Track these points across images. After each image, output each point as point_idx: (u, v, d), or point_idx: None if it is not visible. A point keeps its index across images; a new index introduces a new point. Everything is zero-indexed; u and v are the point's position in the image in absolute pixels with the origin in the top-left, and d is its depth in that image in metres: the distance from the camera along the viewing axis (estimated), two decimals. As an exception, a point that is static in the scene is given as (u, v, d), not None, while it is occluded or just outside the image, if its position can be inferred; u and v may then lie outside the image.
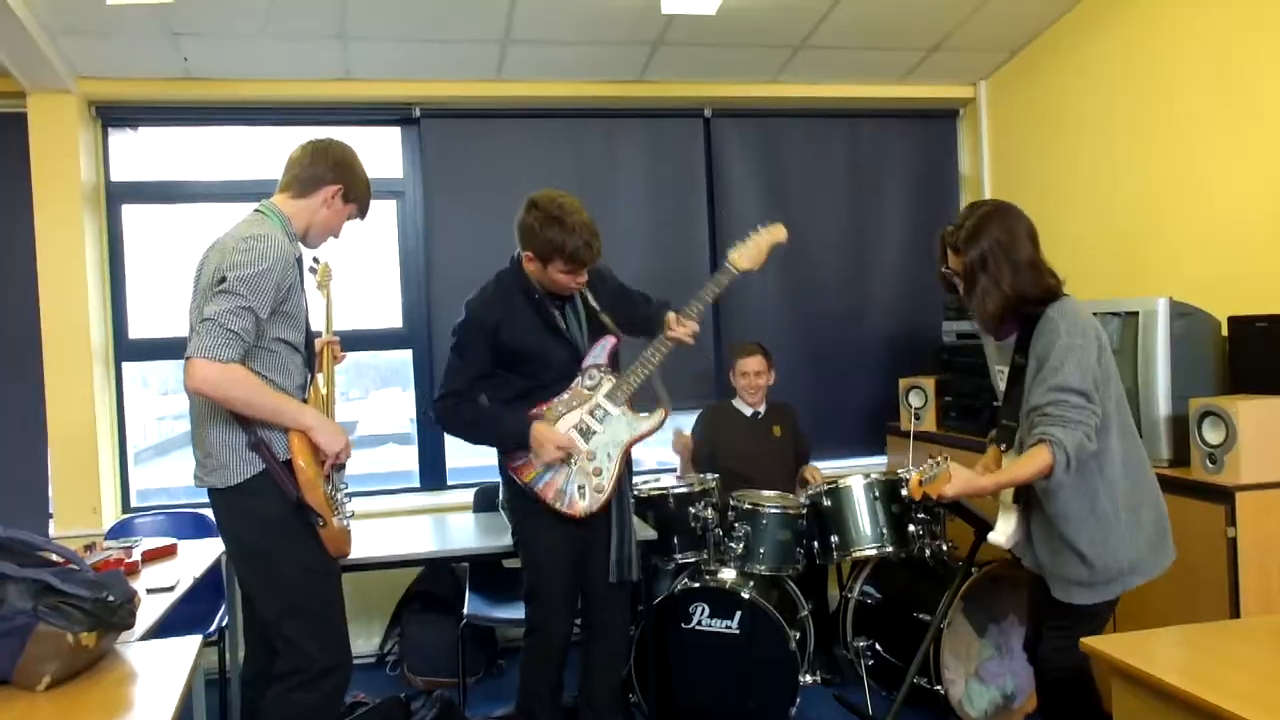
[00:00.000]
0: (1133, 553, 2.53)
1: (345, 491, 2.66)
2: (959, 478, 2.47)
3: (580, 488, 3.03)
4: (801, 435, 4.50)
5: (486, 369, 3.06)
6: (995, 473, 2.54)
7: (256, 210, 2.61)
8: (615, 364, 3.15)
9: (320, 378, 2.74)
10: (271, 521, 2.46)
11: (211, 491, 2.51)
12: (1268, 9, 3.49)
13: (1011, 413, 2.59)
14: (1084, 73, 4.39)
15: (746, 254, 3.15)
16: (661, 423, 3.10)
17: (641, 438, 3.10)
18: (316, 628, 2.53)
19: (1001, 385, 2.68)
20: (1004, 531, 2.64)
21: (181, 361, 2.37)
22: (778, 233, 3.18)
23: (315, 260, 2.88)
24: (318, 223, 2.65)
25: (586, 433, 3.05)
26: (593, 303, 3.13)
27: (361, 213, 2.76)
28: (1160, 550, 2.58)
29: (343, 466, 2.66)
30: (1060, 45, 4.55)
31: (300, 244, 2.65)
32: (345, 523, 2.62)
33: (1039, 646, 2.68)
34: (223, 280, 2.36)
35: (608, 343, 3.11)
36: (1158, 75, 3.98)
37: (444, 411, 3.08)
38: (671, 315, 3.08)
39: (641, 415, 3.10)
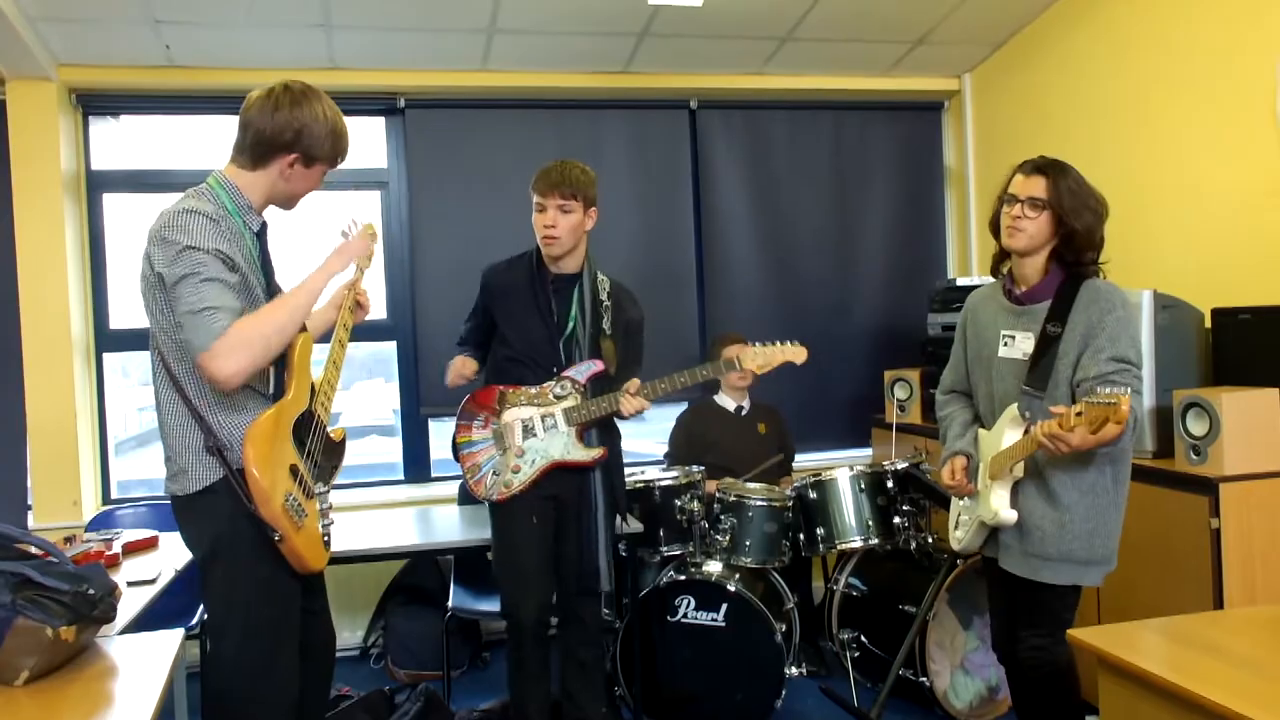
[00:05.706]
0: (1113, 541, 2.54)
1: (321, 494, 2.43)
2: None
3: (495, 474, 3.11)
4: (787, 435, 4.48)
5: (485, 322, 3.26)
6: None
7: (205, 183, 2.33)
8: (592, 389, 3.13)
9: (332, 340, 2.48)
10: (223, 533, 2.25)
11: (171, 498, 2.32)
12: (1249, 1, 3.51)
13: (1039, 382, 2.53)
14: (1068, 66, 4.40)
15: (759, 357, 3.12)
16: (593, 461, 3.12)
17: (569, 464, 3.10)
18: (241, 650, 2.31)
19: (1005, 351, 2.64)
20: (1004, 499, 2.59)
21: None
22: (798, 354, 3.13)
23: (353, 222, 2.60)
24: (279, 192, 2.40)
25: (529, 431, 3.09)
26: (606, 326, 3.15)
27: (334, 161, 2.43)
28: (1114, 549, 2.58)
29: (329, 470, 2.46)
30: (1045, 38, 4.55)
31: (260, 213, 2.40)
32: (324, 533, 2.42)
33: (1016, 649, 2.66)
34: (161, 280, 2.19)
35: (594, 366, 3.13)
36: (1141, 68, 3.99)
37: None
38: (635, 382, 3.07)
39: (582, 444, 3.11)
